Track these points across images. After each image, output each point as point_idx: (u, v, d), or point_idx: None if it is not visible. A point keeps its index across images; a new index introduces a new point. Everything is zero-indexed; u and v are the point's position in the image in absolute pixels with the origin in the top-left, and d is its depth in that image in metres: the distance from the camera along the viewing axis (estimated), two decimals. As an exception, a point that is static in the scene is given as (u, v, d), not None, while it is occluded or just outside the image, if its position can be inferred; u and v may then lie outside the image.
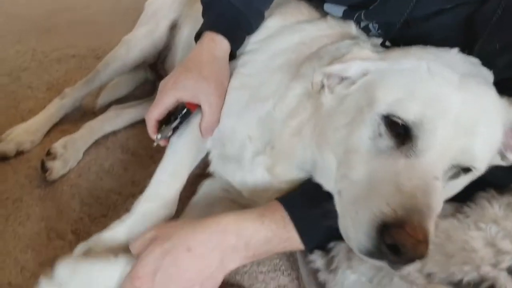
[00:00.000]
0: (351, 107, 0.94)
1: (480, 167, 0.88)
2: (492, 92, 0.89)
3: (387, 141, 0.85)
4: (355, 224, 0.81)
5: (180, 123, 1.18)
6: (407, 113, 0.83)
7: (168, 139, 1.21)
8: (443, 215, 0.95)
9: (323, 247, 1.02)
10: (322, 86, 1.01)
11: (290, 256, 1.27)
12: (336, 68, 0.98)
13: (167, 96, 1.14)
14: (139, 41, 1.80)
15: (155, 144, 1.19)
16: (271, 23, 1.36)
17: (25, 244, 1.30)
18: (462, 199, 0.98)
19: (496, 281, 0.81)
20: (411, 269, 0.88)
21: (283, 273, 1.23)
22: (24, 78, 2.14)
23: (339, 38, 1.23)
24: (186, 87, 1.14)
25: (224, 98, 1.20)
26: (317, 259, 1.01)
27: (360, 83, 0.95)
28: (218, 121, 1.19)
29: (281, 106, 1.12)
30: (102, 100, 1.92)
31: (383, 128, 0.85)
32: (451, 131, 0.82)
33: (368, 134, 0.87)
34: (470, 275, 0.83)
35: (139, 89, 2.03)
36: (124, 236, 1.14)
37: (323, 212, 0.94)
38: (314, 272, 1.01)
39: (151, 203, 1.16)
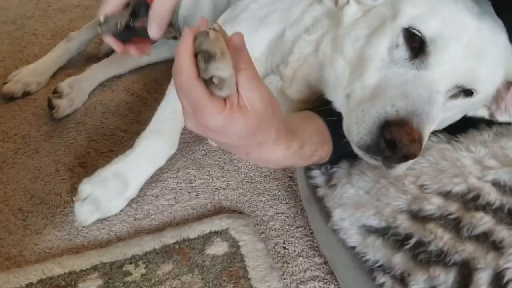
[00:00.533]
0: (375, 19, 0.97)
1: (480, 91, 0.93)
2: (503, 36, 0.92)
3: (403, 52, 0.90)
4: (359, 121, 0.85)
5: (134, 14, 0.94)
6: (426, 28, 0.88)
7: (118, 38, 0.98)
8: (439, 141, 1.02)
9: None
10: (348, 1, 1.03)
11: (288, 187, 1.33)
12: None
13: None
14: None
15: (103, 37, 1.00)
16: None
17: (34, 175, 1.35)
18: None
19: (481, 191, 0.86)
20: (406, 181, 0.93)
21: (281, 202, 1.28)
22: (29, 26, 2.17)
23: None
24: None
25: None
26: (318, 176, 1.06)
27: None
28: (169, 9, 0.96)
29: (296, 27, 1.14)
30: (106, 46, 1.93)
31: (401, 40, 0.90)
32: (461, 53, 0.87)
33: (386, 44, 0.91)
34: (459, 186, 0.88)
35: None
36: (128, 169, 1.20)
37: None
38: (313, 188, 1.06)
39: (153, 139, 1.21)
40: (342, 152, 1.02)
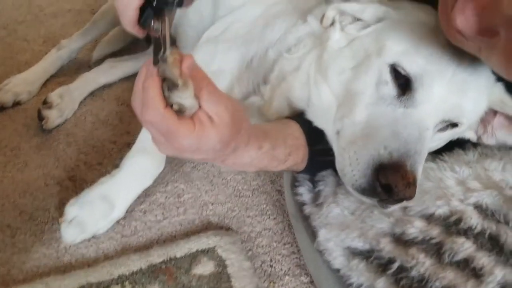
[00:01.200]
0: (359, 51, 0.98)
1: (465, 123, 0.95)
2: (484, 66, 0.93)
3: (391, 89, 0.91)
4: (352, 163, 0.87)
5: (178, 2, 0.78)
6: (411, 66, 0.89)
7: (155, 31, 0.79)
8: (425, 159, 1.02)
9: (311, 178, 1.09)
10: (332, 23, 1.04)
11: (276, 202, 1.33)
12: (352, 7, 1.02)
13: None
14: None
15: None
16: None
17: (23, 190, 1.34)
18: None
19: (463, 214, 0.87)
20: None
21: (269, 217, 1.28)
22: (20, 31, 2.17)
23: None
24: None
25: None
26: (304, 193, 1.07)
27: (372, 29, 1.00)
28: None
29: (278, 47, 1.15)
30: (97, 53, 1.94)
31: (389, 76, 0.91)
32: (446, 89, 0.89)
33: (373, 80, 0.92)
34: (441, 209, 0.90)
35: (134, 44, 2.03)
36: (114, 191, 1.19)
37: (323, 149, 1.01)
38: (300, 205, 1.07)
39: (139, 158, 1.20)
40: (318, 161, 1.04)
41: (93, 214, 1.17)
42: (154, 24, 0.76)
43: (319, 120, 1.03)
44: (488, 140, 1.03)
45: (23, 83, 1.71)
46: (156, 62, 0.71)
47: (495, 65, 0.77)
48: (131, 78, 1.86)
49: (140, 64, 1.86)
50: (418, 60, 0.89)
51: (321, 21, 1.06)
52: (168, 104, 0.71)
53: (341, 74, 0.98)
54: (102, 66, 1.83)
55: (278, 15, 1.22)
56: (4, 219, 1.25)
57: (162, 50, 0.71)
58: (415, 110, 0.89)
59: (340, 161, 0.92)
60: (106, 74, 1.80)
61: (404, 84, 0.90)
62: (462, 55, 0.88)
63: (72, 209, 1.16)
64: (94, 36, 1.88)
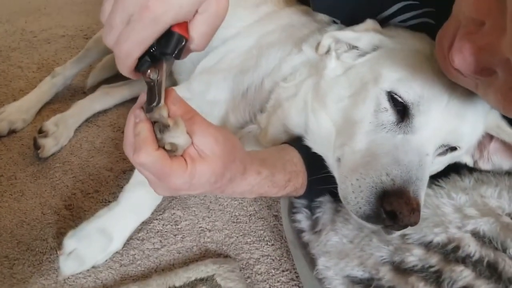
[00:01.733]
0: (356, 80, 1.00)
1: (463, 146, 0.97)
2: None
3: (390, 116, 0.93)
4: (355, 190, 0.88)
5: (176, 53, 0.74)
6: (408, 93, 0.91)
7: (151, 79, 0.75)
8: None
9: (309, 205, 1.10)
10: (328, 51, 1.07)
11: (273, 228, 1.33)
12: (348, 35, 1.04)
13: (157, 23, 0.68)
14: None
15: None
16: (264, 9, 1.40)
17: (20, 219, 1.34)
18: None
19: (460, 242, 0.88)
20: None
21: (267, 243, 1.29)
22: (14, 58, 2.17)
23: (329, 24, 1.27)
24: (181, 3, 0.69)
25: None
26: (302, 220, 1.08)
27: (368, 57, 1.02)
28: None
29: (273, 76, 1.17)
30: (91, 80, 1.95)
31: (387, 104, 0.93)
32: (443, 114, 0.91)
33: (372, 107, 0.94)
34: (439, 237, 0.91)
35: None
36: (112, 224, 1.19)
37: (321, 177, 1.03)
38: (298, 232, 1.07)
39: (136, 191, 1.20)
40: (318, 186, 1.05)
41: (92, 248, 1.16)
42: (151, 72, 0.74)
43: (318, 146, 1.05)
44: (484, 165, 1.04)
45: (17, 111, 1.72)
46: (149, 110, 0.72)
47: (492, 102, 0.79)
48: (126, 104, 1.87)
49: (134, 90, 1.88)
50: (414, 87, 0.91)
51: (316, 49, 1.08)
52: (160, 146, 0.72)
53: (339, 102, 1.00)
54: (97, 92, 1.83)
55: (272, 44, 1.24)
56: (2, 250, 1.24)
57: (156, 100, 0.72)
58: (414, 136, 0.91)
59: (343, 189, 0.92)
60: (101, 101, 1.81)
61: (402, 110, 0.92)
62: (457, 83, 0.90)
63: (70, 242, 1.16)
64: (88, 64, 1.89)
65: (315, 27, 1.25)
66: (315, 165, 1.04)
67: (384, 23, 1.10)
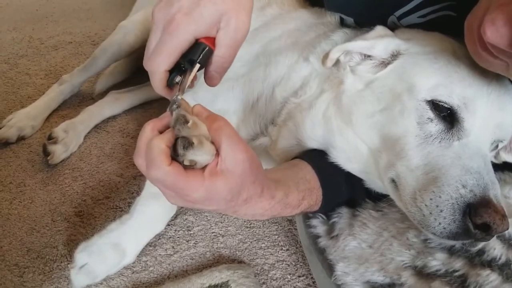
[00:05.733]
0: (384, 93, 0.95)
1: (506, 141, 0.94)
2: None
3: (437, 125, 0.88)
4: (433, 212, 0.82)
5: (201, 58, 0.82)
6: (451, 97, 0.87)
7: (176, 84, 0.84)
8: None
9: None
10: (336, 63, 1.01)
11: (288, 232, 1.31)
12: (359, 45, 0.98)
13: (181, 33, 0.79)
14: (136, 27, 1.80)
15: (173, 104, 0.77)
16: (269, 11, 1.37)
17: (30, 227, 1.32)
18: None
19: (485, 245, 0.86)
20: (410, 235, 0.93)
21: (281, 249, 1.26)
22: (22, 65, 2.16)
23: (336, 25, 1.24)
24: (204, 17, 0.79)
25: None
26: (318, 225, 1.05)
27: (391, 68, 0.96)
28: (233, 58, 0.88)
29: (284, 86, 1.13)
30: (100, 86, 1.94)
31: (431, 114, 0.88)
32: (488, 109, 0.87)
33: (414, 120, 0.89)
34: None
35: (136, 75, 2.03)
36: (125, 239, 1.15)
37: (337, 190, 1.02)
38: (314, 238, 1.04)
39: (149, 205, 1.17)
40: (335, 200, 1.03)
41: (104, 262, 1.12)
42: (177, 79, 0.81)
43: (348, 164, 1.02)
44: (508, 156, 1.00)
45: (26, 118, 1.70)
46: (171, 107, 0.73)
47: None
48: (135, 109, 1.86)
49: (143, 96, 1.87)
50: (455, 90, 0.87)
51: (323, 62, 1.02)
52: (179, 160, 0.70)
53: (369, 118, 0.95)
54: (106, 98, 1.82)
55: (278, 51, 1.20)
56: (12, 258, 1.23)
57: (177, 94, 0.74)
58: (470, 139, 0.86)
59: (416, 212, 0.86)
60: (110, 106, 1.80)
61: (447, 116, 0.88)
62: (487, 74, 0.87)
63: (82, 256, 1.11)
64: (95, 72, 1.87)
65: (322, 31, 1.22)
66: (329, 177, 1.01)
67: (401, 19, 1.07)
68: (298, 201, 0.94)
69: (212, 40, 0.82)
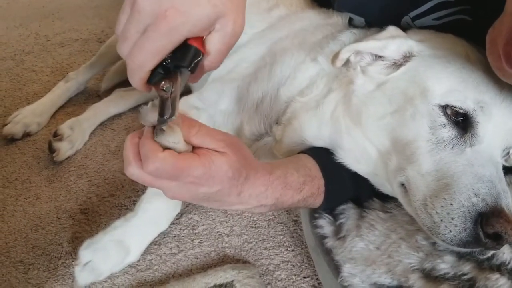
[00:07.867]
0: (396, 95, 0.93)
1: None
2: None
3: (450, 131, 0.86)
4: (444, 219, 0.81)
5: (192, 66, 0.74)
6: (466, 102, 0.85)
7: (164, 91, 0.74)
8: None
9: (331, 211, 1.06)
10: (346, 63, 1.00)
11: (293, 233, 1.30)
12: (371, 45, 0.97)
13: (173, 34, 0.68)
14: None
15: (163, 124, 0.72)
16: (277, 13, 1.36)
17: (35, 223, 1.32)
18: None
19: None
20: (418, 237, 0.92)
21: (286, 249, 1.25)
22: (28, 62, 2.16)
23: (344, 26, 1.23)
24: (200, 18, 0.69)
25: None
26: (325, 226, 1.04)
27: (404, 70, 0.95)
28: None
29: (289, 86, 1.12)
30: (106, 83, 1.94)
31: (444, 119, 0.87)
32: (502, 115, 0.86)
33: (426, 124, 0.87)
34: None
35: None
36: (129, 236, 1.14)
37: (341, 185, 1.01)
38: (320, 238, 1.04)
39: (154, 202, 1.16)
40: (338, 194, 1.02)
41: (108, 260, 1.11)
42: (165, 84, 0.72)
43: (356, 165, 1.01)
44: None
45: (32, 115, 1.71)
46: (162, 122, 0.70)
47: None
48: (140, 107, 1.84)
49: (149, 94, 1.83)
50: (469, 95, 0.85)
51: (333, 61, 1.01)
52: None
53: (379, 120, 0.94)
54: (112, 96, 1.82)
55: (284, 51, 1.19)
56: (17, 255, 1.22)
57: (170, 113, 0.70)
58: (482, 146, 0.85)
59: (426, 219, 0.85)
60: (116, 104, 1.80)
61: (460, 122, 0.86)
62: (500, 80, 0.85)
63: (86, 253, 1.10)
64: (101, 69, 1.88)
65: (329, 31, 1.21)
66: (332, 169, 1.01)
67: (416, 20, 1.06)
68: (299, 184, 0.94)
69: (200, 40, 0.72)
